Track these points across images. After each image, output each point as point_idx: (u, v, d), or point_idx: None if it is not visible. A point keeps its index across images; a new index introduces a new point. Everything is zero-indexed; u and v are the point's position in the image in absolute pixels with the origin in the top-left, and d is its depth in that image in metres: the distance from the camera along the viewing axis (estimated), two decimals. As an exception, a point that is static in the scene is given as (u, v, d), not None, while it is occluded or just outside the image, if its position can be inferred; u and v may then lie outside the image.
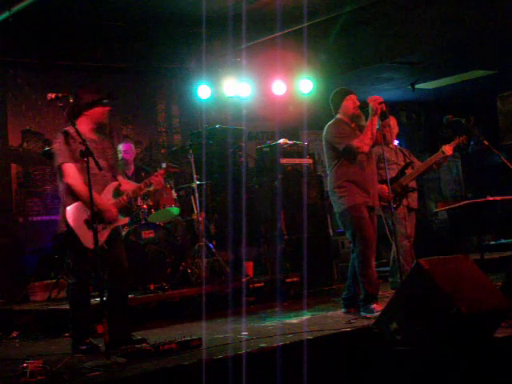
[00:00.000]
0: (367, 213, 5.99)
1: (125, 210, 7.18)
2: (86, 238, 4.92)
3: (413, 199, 7.00)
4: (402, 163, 7.00)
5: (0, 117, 8.26)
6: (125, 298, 5.29)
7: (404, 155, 7.18)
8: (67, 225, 5.00)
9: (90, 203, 4.88)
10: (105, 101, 5.21)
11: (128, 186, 5.39)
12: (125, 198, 5.24)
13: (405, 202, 6.87)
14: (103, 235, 5.04)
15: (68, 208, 5.01)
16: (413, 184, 6.98)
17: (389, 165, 6.66)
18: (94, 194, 4.96)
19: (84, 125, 5.15)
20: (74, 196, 5.01)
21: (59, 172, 5.08)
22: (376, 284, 6.00)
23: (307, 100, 9.82)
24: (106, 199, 5.12)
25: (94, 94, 5.19)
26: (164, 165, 5.54)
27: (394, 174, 6.81)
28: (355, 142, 5.91)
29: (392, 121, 7.12)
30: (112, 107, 5.36)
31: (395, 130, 7.08)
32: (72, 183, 4.98)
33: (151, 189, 5.41)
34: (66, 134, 5.04)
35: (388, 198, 6.18)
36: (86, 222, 4.96)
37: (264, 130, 10.70)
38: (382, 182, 6.48)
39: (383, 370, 4.84)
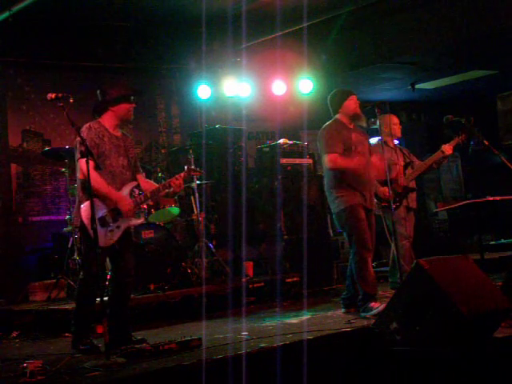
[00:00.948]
0: (364, 214, 5.99)
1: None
2: (99, 235, 4.92)
3: (412, 199, 7.01)
4: (402, 163, 7.00)
5: (0, 117, 8.26)
6: (127, 299, 5.29)
7: (404, 155, 7.18)
8: (81, 221, 5.01)
9: (104, 199, 4.95)
10: (132, 97, 5.19)
11: (147, 185, 5.34)
12: (142, 197, 5.21)
13: (404, 202, 6.88)
14: (116, 234, 5.04)
15: (82, 205, 5.01)
16: (412, 184, 6.99)
17: (390, 165, 6.67)
18: (110, 188, 4.96)
19: (109, 121, 5.15)
20: (88, 192, 4.99)
21: (77, 167, 5.07)
22: (373, 284, 5.99)
23: (307, 100, 9.81)
24: None
25: (120, 90, 5.18)
26: (186, 167, 5.39)
27: (394, 174, 6.81)
28: (330, 158, 5.95)
29: (394, 118, 7.12)
30: (137, 104, 5.32)
31: (396, 126, 7.09)
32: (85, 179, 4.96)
33: (170, 191, 5.30)
34: (89, 129, 5.03)
35: (388, 199, 6.18)
36: (100, 219, 4.96)
37: (264, 130, 10.70)
38: (382, 182, 6.48)
39: (383, 370, 4.84)
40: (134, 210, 5.19)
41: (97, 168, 4.80)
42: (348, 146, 6.04)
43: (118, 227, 5.05)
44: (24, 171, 8.37)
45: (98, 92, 5.21)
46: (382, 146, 6.36)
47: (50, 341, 5.94)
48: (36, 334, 6.28)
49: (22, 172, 8.36)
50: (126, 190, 5.15)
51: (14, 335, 6.39)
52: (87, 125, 5.06)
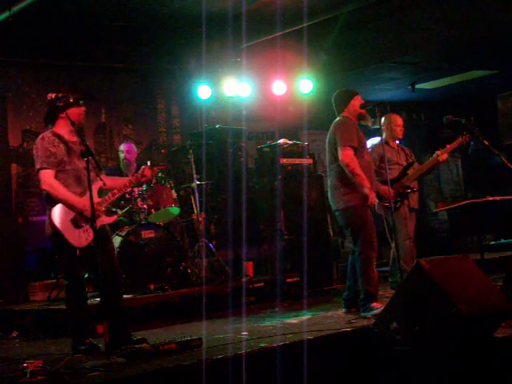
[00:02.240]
0: (370, 212, 6.00)
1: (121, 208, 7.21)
2: (74, 237, 4.95)
3: (414, 199, 7.00)
4: (404, 163, 6.99)
5: (0, 117, 8.26)
6: (120, 298, 5.29)
7: (406, 154, 7.17)
8: (53, 227, 5.01)
9: (69, 206, 4.96)
10: (80, 101, 5.19)
11: (112, 182, 5.41)
12: (110, 196, 5.27)
13: (406, 202, 6.87)
14: (90, 234, 5.02)
15: (53, 209, 5.02)
16: (414, 184, 6.97)
17: (391, 165, 6.68)
18: (74, 196, 4.97)
19: (62, 128, 5.14)
20: (53, 201, 5.02)
21: (39, 178, 5.10)
22: (376, 284, 6.00)
23: (307, 100, 9.82)
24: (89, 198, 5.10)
25: (63, 97, 5.14)
26: (149, 163, 5.61)
27: (395, 174, 6.81)
28: (347, 152, 5.90)
29: (398, 119, 7.11)
30: (87, 107, 5.32)
31: (398, 128, 7.06)
32: (48, 189, 5.00)
33: (143, 179, 5.53)
34: (42, 139, 5.04)
35: (390, 199, 6.18)
36: (72, 221, 4.98)
37: (264, 130, 10.69)
38: (384, 182, 6.48)
39: (383, 370, 4.84)
40: (102, 211, 5.20)
41: (98, 168, 4.81)
42: (362, 145, 6.07)
43: (91, 227, 5.05)
44: (24, 171, 8.36)
45: (47, 102, 5.21)
46: (382, 145, 6.36)
47: (50, 341, 5.94)
48: (36, 334, 6.27)
49: (22, 172, 8.35)
50: (93, 191, 5.14)
51: (14, 335, 6.39)
52: (41, 136, 5.08)
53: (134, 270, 6.83)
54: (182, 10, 8.23)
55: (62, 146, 5.08)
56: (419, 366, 4.67)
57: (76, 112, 5.16)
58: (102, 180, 5.18)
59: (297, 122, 10.01)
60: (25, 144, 8.39)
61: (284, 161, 8.27)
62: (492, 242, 10.11)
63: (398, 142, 7.32)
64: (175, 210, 7.44)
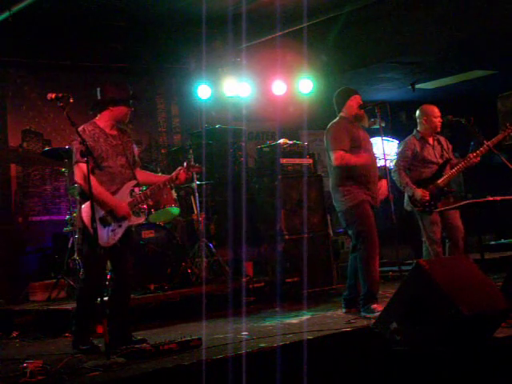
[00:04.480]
0: (371, 210, 6.00)
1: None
2: (101, 235, 4.93)
3: (448, 199, 6.78)
4: (440, 160, 6.77)
5: (0, 117, 8.26)
6: (128, 299, 5.30)
7: (442, 148, 6.86)
8: (82, 222, 5.02)
9: (99, 204, 4.94)
10: (131, 102, 5.25)
11: (147, 178, 5.43)
12: (142, 196, 5.26)
13: (439, 205, 6.66)
14: (117, 233, 5.06)
15: (83, 206, 5.03)
16: (448, 186, 6.76)
17: (426, 164, 6.63)
18: (107, 194, 4.97)
19: (105, 120, 5.17)
20: (87, 196, 5.01)
21: (75, 171, 5.10)
22: (377, 283, 6.01)
23: (307, 100, 9.82)
24: (121, 198, 5.11)
25: (122, 92, 5.21)
26: (185, 164, 5.51)
27: (429, 174, 6.70)
28: (337, 155, 5.93)
29: (436, 110, 6.96)
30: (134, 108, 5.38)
31: (437, 119, 6.85)
32: (82, 183, 4.99)
33: (172, 185, 5.55)
34: (83, 132, 5.03)
35: (424, 202, 6.28)
36: (100, 219, 4.98)
37: (264, 130, 10.70)
38: (417, 183, 6.48)
39: (383, 370, 4.84)
40: (131, 211, 5.19)
41: (97, 168, 4.81)
42: (357, 144, 6.05)
43: (119, 226, 5.06)
44: (24, 171, 8.36)
45: (98, 90, 5.21)
46: (408, 142, 6.54)
47: (50, 341, 5.95)
48: (36, 334, 6.28)
49: (21, 172, 8.35)
50: (125, 190, 5.16)
51: (14, 335, 6.40)
52: (81, 128, 5.05)
53: (134, 269, 6.82)
54: (182, 10, 8.24)
55: (101, 139, 5.09)
56: (419, 366, 4.66)
57: (123, 111, 5.21)
58: (136, 179, 5.21)
59: (297, 121, 10.01)
60: (24, 144, 8.39)
61: (284, 161, 8.26)
62: (492, 242, 10.10)
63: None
64: (175, 210, 7.44)
